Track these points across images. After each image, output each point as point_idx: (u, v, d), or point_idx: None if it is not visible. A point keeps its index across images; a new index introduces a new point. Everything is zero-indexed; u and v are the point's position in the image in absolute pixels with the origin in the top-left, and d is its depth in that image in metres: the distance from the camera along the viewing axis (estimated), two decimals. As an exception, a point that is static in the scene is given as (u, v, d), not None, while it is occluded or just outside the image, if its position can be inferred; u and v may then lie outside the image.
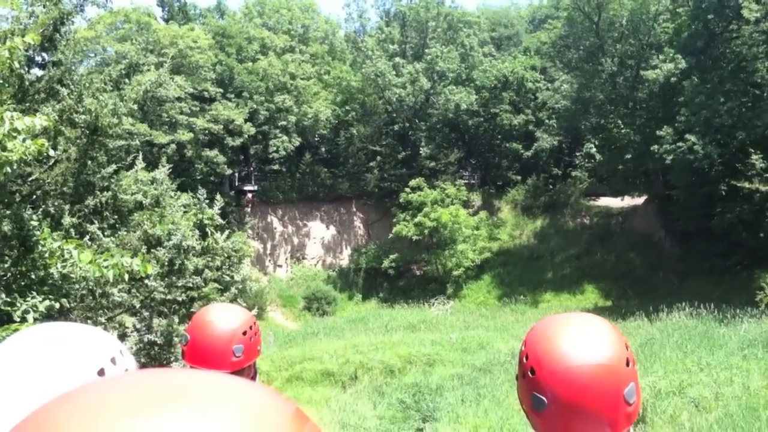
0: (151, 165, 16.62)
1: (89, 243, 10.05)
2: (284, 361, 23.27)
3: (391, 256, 40.84)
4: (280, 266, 42.74)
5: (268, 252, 43.61)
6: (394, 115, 47.27)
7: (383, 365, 22.62)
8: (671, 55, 36.02)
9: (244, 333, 2.77)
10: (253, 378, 2.90)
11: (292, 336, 30.83)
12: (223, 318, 2.79)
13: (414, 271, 42.63)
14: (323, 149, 48.03)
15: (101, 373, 1.40)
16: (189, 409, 0.57)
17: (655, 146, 34.44)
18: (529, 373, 1.62)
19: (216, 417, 0.57)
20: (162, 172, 13.12)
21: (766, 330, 22.28)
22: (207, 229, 12.62)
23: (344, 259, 45.03)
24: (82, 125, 10.41)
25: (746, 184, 35.10)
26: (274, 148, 42.67)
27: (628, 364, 1.60)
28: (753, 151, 34.95)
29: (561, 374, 1.56)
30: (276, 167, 44.27)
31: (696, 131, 33.17)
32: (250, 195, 42.40)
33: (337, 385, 21.52)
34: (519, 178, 46.91)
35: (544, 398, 1.57)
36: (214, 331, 2.73)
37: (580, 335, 1.61)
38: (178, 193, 13.62)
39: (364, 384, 21.26)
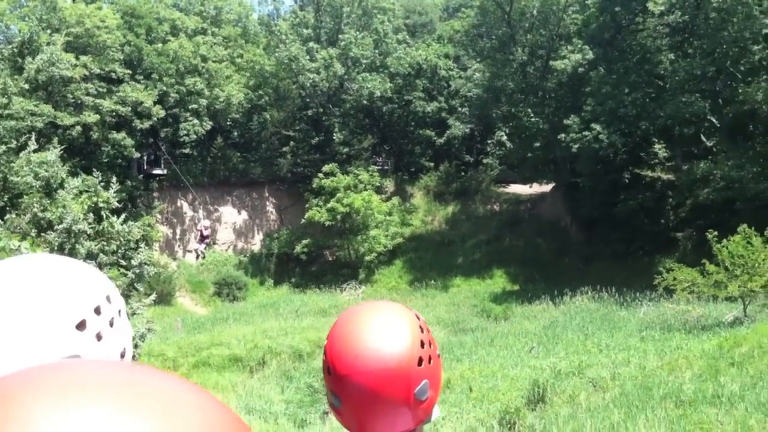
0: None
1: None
2: (191, 346, 22.92)
3: (304, 242, 40.56)
4: (190, 251, 42.00)
5: (178, 237, 42.81)
6: (308, 100, 46.93)
7: (292, 350, 22.59)
8: (579, 45, 36.84)
9: None
10: None
11: (201, 322, 30.38)
12: None
13: (326, 256, 42.51)
14: (235, 133, 47.20)
15: (81, 326, 1.27)
16: (117, 409, 0.54)
17: (563, 135, 35.22)
18: (327, 372, 1.66)
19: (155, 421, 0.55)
20: (54, 153, 12.65)
21: (664, 312, 23.13)
22: (102, 213, 12.25)
23: (256, 244, 44.57)
24: (-31, 104, 9.97)
25: (649, 173, 36.36)
26: (185, 132, 41.80)
27: (420, 364, 1.63)
28: (656, 140, 36.17)
29: (350, 378, 1.60)
30: (186, 151, 43.40)
31: (601, 121, 34.09)
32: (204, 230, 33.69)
33: (244, 370, 21.35)
34: (432, 164, 47.28)
35: (339, 397, 1.63)
36: None
37: (372, 338, 1.62)
38: (69, 177, 13.09)
39: (272, 369, 21.21)
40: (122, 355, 1.39)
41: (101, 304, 1.32)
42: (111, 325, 1.35)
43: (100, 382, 0.57)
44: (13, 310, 1.21)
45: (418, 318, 1.71)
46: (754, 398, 11.89)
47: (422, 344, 1.65)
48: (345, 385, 1.61)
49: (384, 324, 1.65)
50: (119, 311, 1.39)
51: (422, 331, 1.67)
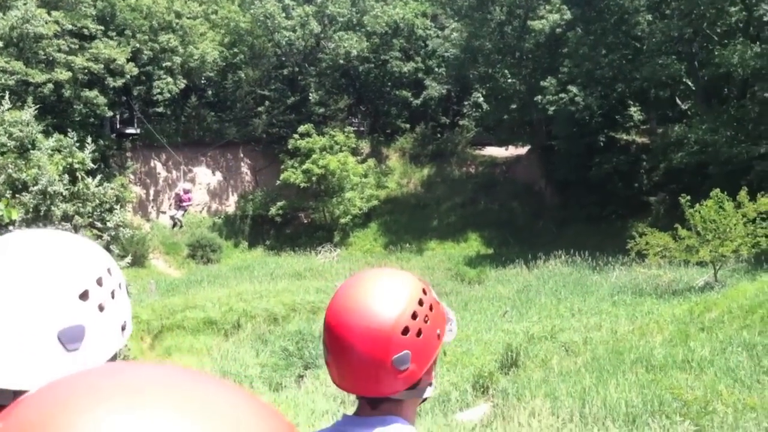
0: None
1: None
2: (165, 309, 22.81)
3: (279, 204, 40.31)
4: (164, 212, 41.61)
5: (151, 198, 42.41)
6: (284, 59, 46.37)
7: (267, 313, 22.57)
8: (557, 5, 36.66)
9: None
10: None
11: (175, 284, 30.22)
12: None
13: (301, 218, 42.33)
14: (210, 92, 46.56)
15: (84, 296, 1.31)
16: (175, 412, 0.54)
17: (539, 97, 35.15)
18: (324, 326, 1.75)
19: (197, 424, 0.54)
20: (28, 112, 12.40)
21: (636, 277, 23.41)
22: (77, 174, 12.06)
23: (230, 206, 44.20)
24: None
25: (624, 136, 36.46)
26: (158, 90, 41.07)
27: (405, 333, 1.66)
28: (631, 103, 36.20)
29: (335, 330, 1.68)
30: (160, 110, 42.73)
31: (578, 83, 34.09)
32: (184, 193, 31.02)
33: (219, 333, 21.31)
34: (408, 126, 47.03)
35: (327, 348, 1.72)
36: None
37: (365, 297, 1.69)
38: (43, 136, 12.83)
39: (247, 332, 21.18)
40: (123, 328, 1.44)
41: (103, 275, 1.37)
42: (112, 296, 1.40)
43: (161, 385, 0.56)
44: (20, 280, 1.26)
45: (425, 293, 1.74)
46: (723, 363, 12.10)
47: (414, 316, 1.68)
48: (331, 336, 1.69)
49: (382, 287, 1.71)
50: (119, 284, 1.44)
51: (421, 305, 1.70)
